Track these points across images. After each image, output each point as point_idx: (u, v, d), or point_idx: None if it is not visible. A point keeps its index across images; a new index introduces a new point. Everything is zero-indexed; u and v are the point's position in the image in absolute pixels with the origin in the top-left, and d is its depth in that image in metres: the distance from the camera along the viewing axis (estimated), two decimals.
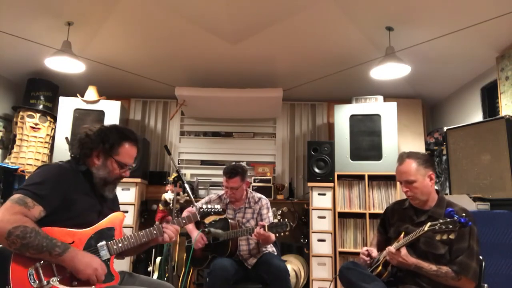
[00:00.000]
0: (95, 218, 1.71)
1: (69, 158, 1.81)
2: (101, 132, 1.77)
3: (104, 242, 1.66)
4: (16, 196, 1.52)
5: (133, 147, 1.81)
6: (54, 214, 1.58)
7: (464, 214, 1.81)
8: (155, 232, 1.80)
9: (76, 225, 1.62)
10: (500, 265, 2.58)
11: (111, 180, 1.78)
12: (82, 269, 1.51)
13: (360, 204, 3.92)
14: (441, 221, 1.81)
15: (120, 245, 1.69)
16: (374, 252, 2.20)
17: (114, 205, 1.89)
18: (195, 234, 2.88)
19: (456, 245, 1.91)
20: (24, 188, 1.54)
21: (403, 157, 2.11)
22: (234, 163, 3.06)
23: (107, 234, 1.69)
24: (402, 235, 2.05)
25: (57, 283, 1.50)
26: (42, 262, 1.49)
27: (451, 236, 1.80)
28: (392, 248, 1.98)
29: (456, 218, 1.78)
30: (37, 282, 1.47)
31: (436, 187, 2.15)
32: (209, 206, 2.13)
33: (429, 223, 1.85)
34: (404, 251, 1.94)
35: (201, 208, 2.12)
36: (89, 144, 1.75)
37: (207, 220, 2.89)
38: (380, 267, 2.07)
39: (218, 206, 2.11)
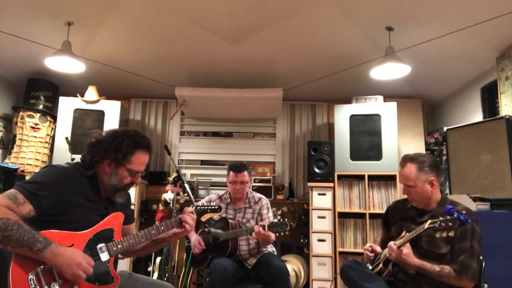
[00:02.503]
0: (100, 222, 1.68)
1: (72, 159, 1.79)
2: (113, 140, 1.72)
3: (103, 244, 1.64)
4: (10, 190, 1.50)
5: (146, 154, 1.77)
6: (53, 217, 1.56)
7: (464, 212, 1.80)
8: (153, 232, 1.78)
9: (79, 229, 1.60)
10: (500, 265, 2.59)
11: (122, 187, 1.75)
12: (65, 265, 1.46)
13: (360, 204, 3.92)
14: (441, 218, 1.81)
15: (119, 246, 1.68)
16: (378, 248, 2.20)
17: (124, 207, 1.84)
18: (193, 237, 2.84)
19: (458, 245, 1.91)
20: (21, 185, 1.53)
21: (405, 160, 2.09)
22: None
23: (106, 235, 1.67)
24: (403, 233, 2.05)
25: None
26: (42, 267, 1.47)
27: (451, 234, 1.80)
28: (392, 244, 1.97)
29: (455, 215, 1.78)
30: (38, 287, 1.44)
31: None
32: (205, 203, 2.12)
33: (429, 221, 1.84)
34: (406, 250, 1.93)
35: (197, 206, 2.12)
36: (101, 152, 1.70)
37: (203, 218, 2.90)
38: (380, 265, 2.08)
39: (213, 203, 2.09)
